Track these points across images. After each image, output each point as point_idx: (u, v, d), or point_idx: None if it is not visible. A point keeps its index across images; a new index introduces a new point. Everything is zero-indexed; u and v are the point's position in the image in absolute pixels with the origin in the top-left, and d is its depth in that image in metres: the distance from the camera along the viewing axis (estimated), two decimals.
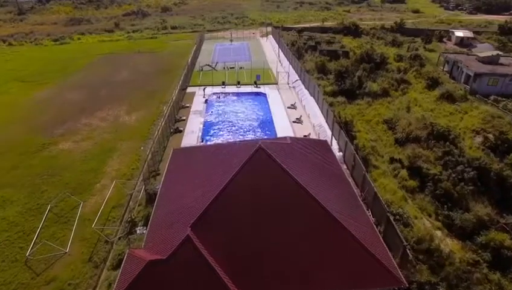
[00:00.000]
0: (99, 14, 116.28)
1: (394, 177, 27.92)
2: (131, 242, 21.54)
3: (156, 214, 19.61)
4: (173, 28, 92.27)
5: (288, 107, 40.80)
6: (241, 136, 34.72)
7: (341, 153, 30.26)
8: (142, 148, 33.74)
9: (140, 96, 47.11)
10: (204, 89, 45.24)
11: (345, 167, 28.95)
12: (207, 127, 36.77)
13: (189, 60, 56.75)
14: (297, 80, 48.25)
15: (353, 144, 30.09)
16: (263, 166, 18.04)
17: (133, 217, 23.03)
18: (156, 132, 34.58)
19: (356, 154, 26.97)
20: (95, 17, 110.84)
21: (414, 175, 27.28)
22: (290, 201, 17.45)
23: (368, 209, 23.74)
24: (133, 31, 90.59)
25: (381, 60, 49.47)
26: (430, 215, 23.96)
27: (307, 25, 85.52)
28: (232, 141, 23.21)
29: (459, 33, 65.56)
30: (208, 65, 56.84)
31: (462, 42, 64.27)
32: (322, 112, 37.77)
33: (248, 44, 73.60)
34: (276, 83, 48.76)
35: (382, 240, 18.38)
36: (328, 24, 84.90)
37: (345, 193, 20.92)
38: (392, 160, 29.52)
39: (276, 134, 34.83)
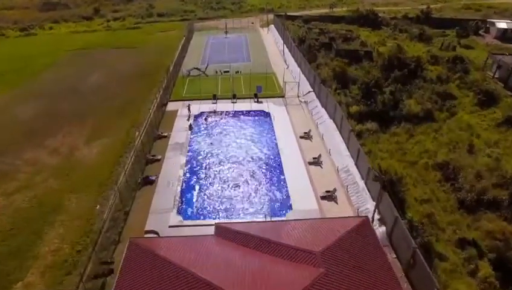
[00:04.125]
0: None
1: (471, 275, 18.24)
2: None
3: None
4: (160, 15, 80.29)
5: (301, 137, 30.58)
6: (235, 197, 24.32)
7: (384, 229, 20.46)
8: (98, 207, 23.88)
9: (108, 113, 36.88)
10: (188, 107, 34.60)
11: (393, 255, 19.25)
12: (189, 175, 26.35)
13: (174, 61, 45.92)
14: (309, 92, 37.72)
15: (404, 216, 20.16)
16: None
17: None
18: (118, 184, 24.55)
19: (418, 251, 17.03)
20: (74, 1, 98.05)
21: (505, 274, 17.64)
22: None
23: None
24: (114, 19, 78.89)
25: (415, 65, 38.72)
26: None
27: (314, 12, 73.79)
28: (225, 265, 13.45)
29: (502, 24, 54.32)
30: (197, 68, 45.79)
31: (504, 35, 53.26)
32: (347, 147, 27.68)
33: (246, 37, 62.10)
34: (283, 96, 38.15)
35: None
36: (339, 11, 73.03)
37: None
38: (461, 242, 19.72)
39: (287, 185, 24.79)
